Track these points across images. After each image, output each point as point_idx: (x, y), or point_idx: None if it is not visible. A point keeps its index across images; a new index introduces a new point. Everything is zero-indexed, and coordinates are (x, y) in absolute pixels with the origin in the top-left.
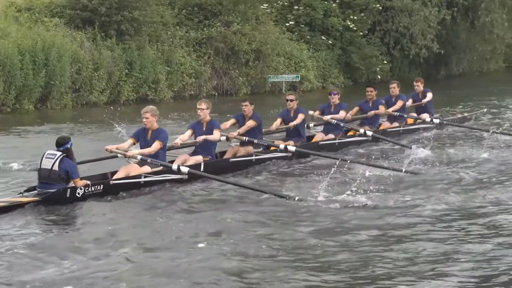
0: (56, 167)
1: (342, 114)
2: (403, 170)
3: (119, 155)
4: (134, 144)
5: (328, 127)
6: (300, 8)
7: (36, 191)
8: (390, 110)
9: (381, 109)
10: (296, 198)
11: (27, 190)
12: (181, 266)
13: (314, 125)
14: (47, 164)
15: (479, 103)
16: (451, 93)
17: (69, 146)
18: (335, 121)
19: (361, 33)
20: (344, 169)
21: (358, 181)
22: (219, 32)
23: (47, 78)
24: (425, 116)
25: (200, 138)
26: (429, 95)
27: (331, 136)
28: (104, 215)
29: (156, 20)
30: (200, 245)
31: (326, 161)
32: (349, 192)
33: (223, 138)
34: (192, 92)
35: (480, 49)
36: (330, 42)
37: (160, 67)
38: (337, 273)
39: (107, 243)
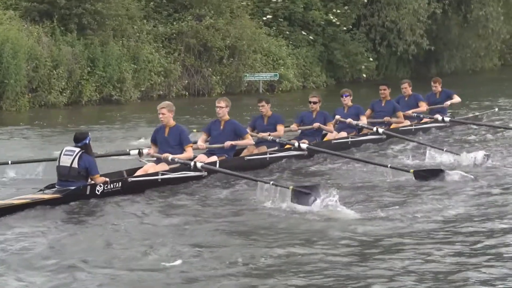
0: (75, 164)
1: (363, 120)
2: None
3: (145, 151)
4: (157, 148)
5: (341, 126)
6: (279, 1)
7: (55, 189)
8: (410, 111)
9: (399, 115)
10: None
11: (46, 188)
12: (211, 264)
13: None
14: (66, 161)
15: (478, 103)
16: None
17: (87, 141)
18: (350, 120)
19: (344, 28)
20: (358, 168)
21: (372, 182)
22: (190, 27)
23: (0, 77)
24: (437, 116)
25: (228, 143)
26: (456, 98)
27: (343, 134)
28: (127, 213)
29: (121, 13)
30: (221, 243)
31: (339, 160)
32: (363, 194)
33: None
34: (161, 92)
35: (473, 45)
36: (311, 37)
37: (125, 65)
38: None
39: (132, 242)
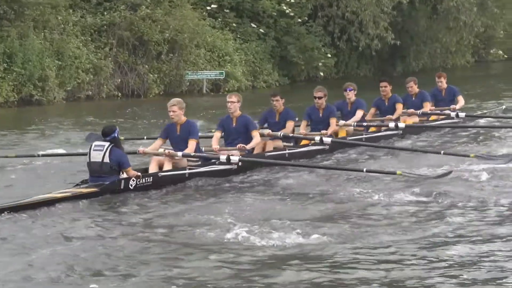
0: (107, 159)
1: (359, 114)
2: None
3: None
4: (163, 143)
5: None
6: None
7: (88, 184)
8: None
9: (398, 108)
10: (398, 172)
11: (82, 182)
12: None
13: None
14: (96, 156)
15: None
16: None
17: (116, 134)
18: (354, 123)
19: (299, 20)
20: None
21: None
22: (124, 18)
23: None
24: (449, 111)
25: (240, 145)
26: (461, 100)
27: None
28: (165, 206)
29: (42, 1)
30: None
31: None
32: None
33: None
34: (90, 92)
35: (444, 39)
36: (261, 31)
37: (48, 61)
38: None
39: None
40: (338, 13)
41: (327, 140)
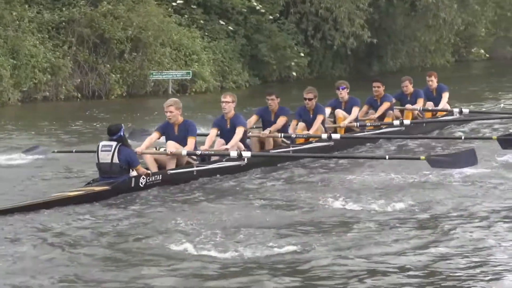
0: (116, 159)
1: (355, 111)
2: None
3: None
4: (159, 138)
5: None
6: None
7: (99, 182)
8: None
9: (385, 106)
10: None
11: (94, 181)
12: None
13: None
14: (105, 157)
15: None
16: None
17: (122, 133)
18: (358, 123)
19: (270, 17)
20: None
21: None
22: (84, 14)
23: None
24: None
25: (223, 147)
26: (445, 96)
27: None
28: (177, 203)
29: None
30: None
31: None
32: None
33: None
34: (47, 93)
35: (422, 38)
36: (230, 28)
37: (2, 60)
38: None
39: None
40: (311, 10)
41: (336, 136)
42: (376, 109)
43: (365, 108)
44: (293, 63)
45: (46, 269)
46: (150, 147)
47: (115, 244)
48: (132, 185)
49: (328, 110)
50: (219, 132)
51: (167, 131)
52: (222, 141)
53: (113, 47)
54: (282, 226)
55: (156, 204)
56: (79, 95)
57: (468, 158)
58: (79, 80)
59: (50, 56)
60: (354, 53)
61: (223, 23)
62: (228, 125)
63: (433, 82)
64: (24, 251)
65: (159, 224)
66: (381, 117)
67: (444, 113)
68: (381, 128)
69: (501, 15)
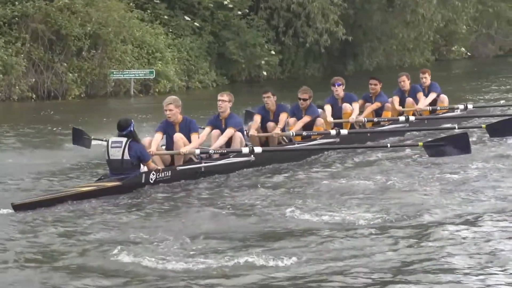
0: (126, 156)
1: (356, 106)
2: None
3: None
4: (162, 138)
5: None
6: None
7: (110, 178)
8: (420, 106)
9: (394, 101)
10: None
11: (101, 178)
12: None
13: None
14: (116, 154)
15: None
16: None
17: (132, 128)
18: (365, 119)
19: (239, 13)
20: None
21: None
22: (38, 8)
23: None
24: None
25: (217, 145)
26: (431, 97)
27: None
28: (192, 201)
29: None
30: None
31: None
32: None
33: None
34: None
35: (400, 35)
36: (196, 24)
37: None
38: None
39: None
40: (282, 5)
41: (344, 132)
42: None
43: (361, 102)
44: (263, 62)
45: (57, 263)
46: (158, 146)
47: (122, 241)
48: (143, 180)
49: (328, 108)
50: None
51: (167, 130)
52: (218, 131)
53: (70, 44)
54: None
55: (163, 201)
56: (34, 95)
57: (462, 144)
58: (33, 79)
59: (2, 54)
60: (328, 52)
61: (189, 19)
62: (223, 125)
63: (426, 79)
64: (41, 243)
65: (165, 222)
66: (375, 112)
67: (445, 110)
68: (384, 125)
69: (483, 11)
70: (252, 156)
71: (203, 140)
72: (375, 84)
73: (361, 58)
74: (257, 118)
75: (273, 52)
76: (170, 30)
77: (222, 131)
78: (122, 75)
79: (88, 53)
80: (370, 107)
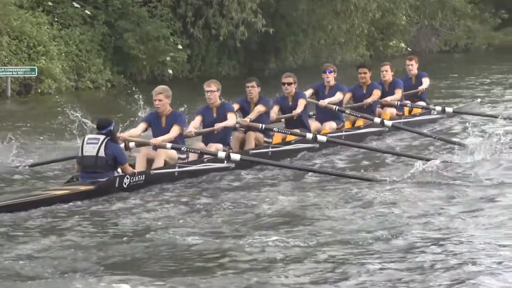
0: (102, 153)
1: (339, 96)
2: None
3: (133, 144)
4: (146, 129)
5: (324, 114)
6: None
7: (82, 181)
8: (388, 99)
9: (375, 94)
10: (388, 180)
11: (72, 179)
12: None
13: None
14: (90, 150)
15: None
16: None
17: (112, 128)
18: (336, 107)
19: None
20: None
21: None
22: None
23: None
24: (428, 105)
25: (219, 126)
26: (426, 82)
27: (332, 125)
28: (161, 205)
29: None
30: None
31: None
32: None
33: (237, 125)
34: None
35: (330, 27)
36: (88, 12)
37: None
38: None
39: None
40: None
41: (322, 138)
42: (360, 99)
43: (348, 95)
44: (168, 58)
45: (32, 269)
46: (135, 136)
47: (100, 244)
48: (116, 185)
49: (309, 92)
50: (202, 122)
51: (153, 122)
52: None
53: None
54: (262, 226)
55: (138, 204)
56: None
57: None
58: None
59: None
60: (245, 46)
61: (78, 5)
62: (215, 114)
63: (413, 67)
64: (22, 249)
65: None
66: (368, 109)
67: (421, 111)
68: (361, 128)
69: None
70: (226, 162)
71: (194, 127)
72: (365, 73)
73: (284, 54)
74: (236, 107)
75: (180, 47)
76: (56, 19)
77: (213, 122)
78: None
79: None
80: (372, 97)
